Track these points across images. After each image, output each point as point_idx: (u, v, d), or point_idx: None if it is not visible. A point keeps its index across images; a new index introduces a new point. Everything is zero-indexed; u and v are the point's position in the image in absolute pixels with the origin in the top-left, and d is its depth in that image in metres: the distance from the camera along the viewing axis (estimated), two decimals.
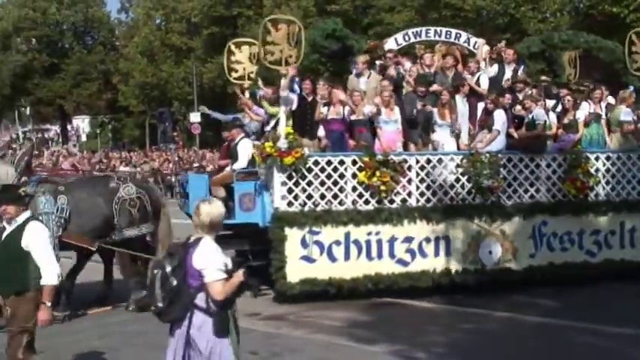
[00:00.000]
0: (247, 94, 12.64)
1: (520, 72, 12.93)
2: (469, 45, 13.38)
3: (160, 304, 5.00)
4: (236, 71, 12.76)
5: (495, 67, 12.81)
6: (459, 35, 13.40)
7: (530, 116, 11.68)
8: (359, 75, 12.16)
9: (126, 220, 10.00)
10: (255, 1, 39.57)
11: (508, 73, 12.81)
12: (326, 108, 11.38)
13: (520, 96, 12.07)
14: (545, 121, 11.67)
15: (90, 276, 10.95)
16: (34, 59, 58.55)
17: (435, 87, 11.95)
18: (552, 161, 11.75)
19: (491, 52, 12.96)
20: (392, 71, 12.15)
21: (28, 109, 63.19)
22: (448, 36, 13.35)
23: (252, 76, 12.71)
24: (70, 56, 60.07)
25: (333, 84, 11.70)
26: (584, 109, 12.15)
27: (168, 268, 5.02)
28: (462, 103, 11.82)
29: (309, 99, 11.46)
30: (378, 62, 12.61)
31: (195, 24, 49.53)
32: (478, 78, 12.51)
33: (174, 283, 4.98)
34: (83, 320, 10.03)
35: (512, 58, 12.88)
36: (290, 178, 10.54)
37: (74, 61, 59.33)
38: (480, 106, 12.06)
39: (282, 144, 10.46)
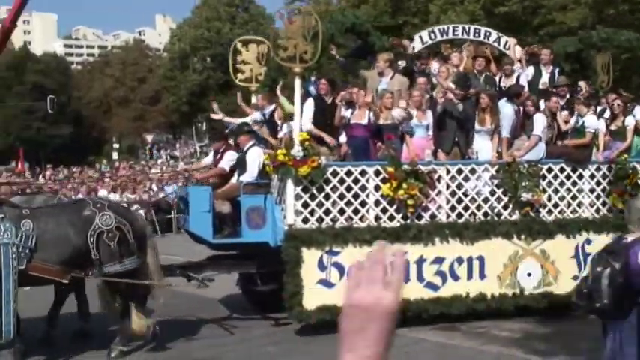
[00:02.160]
0: (254, 98, 12.24)
1: (557, 75, 12.43)
2: (499, 45, 12.89)
3: (605, 301, 5.30)
4: (242, 72, 12.29)
5: (531, 69, 12.39)
6: (488, 34, 12.85)
7: (578, 122, 11.25)
8: (381, 74, 11.65)
9: (106, 254, 8.82)
10: (421, 8, 39.66)
11: (545, 76, 12.40)
12: (349, 111, 10.86)
13: (562, 102, 11.55)
14: (596, 130, 11.22)
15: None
16: (209, 77, 63.77)
17: (473, 90, 11.26)
18: (596, 172, 11.29)
19: (526, 52, 12.60)
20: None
21: (204, 124, 67.38)
22: (477, 34, 12.84)
23: (261, 78, 12.33)
24: None
25: (358, 84, 11.26)
26: (636, 115, 11.57)
27: (617, 266, 5.30)
28: (511, 110, 11.14)
29: (329, 101, 10.82)
30: (400, 62, 12.15)
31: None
32: (517, 80, 12.03)
33: (620, 281, 5.26)
34: None
35: (548, 59, 12.48)
36: (305, 190, 10.07)
37: None
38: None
39: (297, 152, 9.91)
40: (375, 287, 1.44)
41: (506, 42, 12.88)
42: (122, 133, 69.41)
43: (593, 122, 11.21)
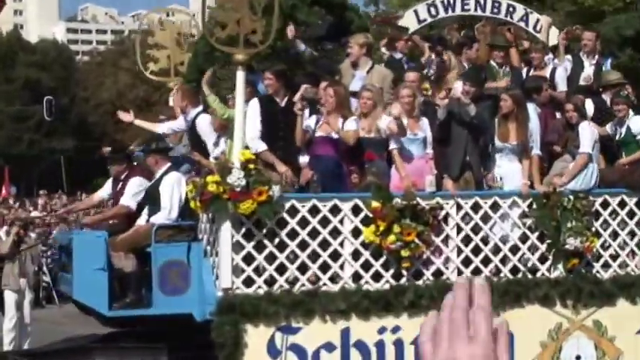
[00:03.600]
0: (172, 99, 12.05)
1: (607, 67, 12.27)
2: (527, 25, 12.60)
3: None
4: (155, 61, 11.98)
5: (568, 60, 12.26)
6: (512, 9, 12.50)
7: (618, 129, 10.95)
8: (355, 65, 11.12)
9: None
10: None
11: (588, 69, 12.07)
12: (312, 119, 10.23)
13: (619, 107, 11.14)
14: None
15: None
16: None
17: (493, 84, 11.02)
18: None
19: (565, 35, 12.31)
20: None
21: None
22: (496, 9, 12.48)
23: (182, 69, 11.92)
24: None
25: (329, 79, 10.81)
26: None
27: None
28: (534, 114, 10.79)
29: (282, 103, 10.13)
30: (383, 49, 11.89)
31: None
32: (552, 74, 11.76)
33: None
34: None
35: (592, 47, 12.17)
36: (249, 236, 9.48)
37: None
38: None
39: (237, 179, 9.10)
40: (459, 343, 1.62)
41: (538, 21, 12.67)
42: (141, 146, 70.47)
43: None
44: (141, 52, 12.10)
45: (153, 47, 12.13)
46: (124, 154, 11.81)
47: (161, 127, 11.69)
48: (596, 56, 12.28)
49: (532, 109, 10.93)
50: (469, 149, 10.53)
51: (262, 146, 9.73)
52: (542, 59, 12.08)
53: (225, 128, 10.74)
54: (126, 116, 12.40)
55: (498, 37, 12.26)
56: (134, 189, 10.68)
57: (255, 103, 10.02)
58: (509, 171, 10.47)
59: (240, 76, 9.49)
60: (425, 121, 10.39)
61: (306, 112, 10.49)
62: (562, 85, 11.82)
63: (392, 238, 9.53)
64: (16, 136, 57.74)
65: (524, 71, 12.11)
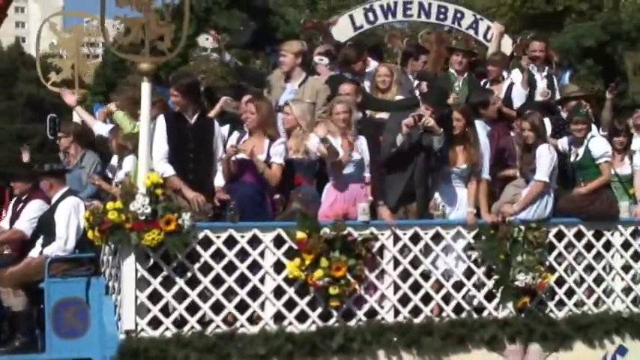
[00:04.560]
0: (77, 114, 11.86)
1: (564, 80, 12.65)
2: (476, 33, 13.07)
3: None
4: (58, 70, 11.81)
5: (517, 73, 12.38)
6: (460, 15, 12.90)
7: (577, 149, 11.05)
8: (287, 77, 11.09)
9: None
10: None
11: (540, 83, 12.28)
12: (233, 136, 10.26)
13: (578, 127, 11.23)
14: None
15: None
16: None
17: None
18: (633, 236, 10.92)
19: (519, 45, 12.84)
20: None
21: None
22: (442, 16, 12.80)
23: (89, 80, 11.99)
24: None
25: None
26: None
27: None
28: (482, 133, 10.80)
29: (191, 120, 9.96)
30: (319, 58, 11.59)
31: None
32: (509, 91, 11.93)
33: None
34: None
35: (541, 57, 12.34)
36: (156, 271, 9.24)
37: None
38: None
39: (142, 206, 9.00)
40: None
41: (488, 29, 12.95)
42: None
43: (602, 146, 10.94)
44: (43, 61, 11.91)
45: (55, 56, 11.98)
46: (30, 171, 11.52)
47: (97, 127, 11.41)
48: (546, 68, 12.36)
49: (480, 126, 10.89)
50: (417, 179, 10.41)
51: (169, 170, 9.56)
52: (500, 72, 12.17)
53: (124, 149, 10.55)
54: (69, 97, 12.04)
55: (459, 41, 12.32)
56: (32, 213, 10.48)
57: (161, 120, 9.85)
58: (454, 197, 10.42)
59: (146, 88, 9.17)
60: (362, 141, 10.27)
61: (225, 128, 10.45)
62: (518, 102, 11.97)
63: (319, 273, 9.43)
64: (16, 158, 58.69)
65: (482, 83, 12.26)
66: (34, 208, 10.52)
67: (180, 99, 9.88)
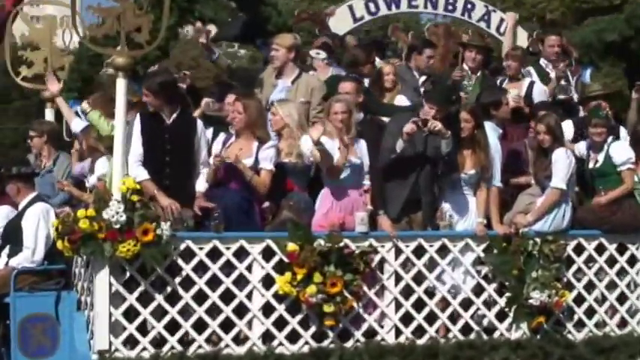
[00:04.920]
0: (50, 112, 11.81)
1: (585, 78, 12.62)
2: (488, 26, 12.76)
3: None
4: (29, 65, 11.60)
5: (530, 72, 12.40)
6: (470, 6, 12.80)
7: (597, 154, 10.91)
8: (279, 73, 11.00)
9: None
10: None
11: (554, 81, 12.24)
12: (219, 139, 10.19)
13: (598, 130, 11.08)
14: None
15: None
16: None
17: None
18: None
19: (536, 39, 12.81)
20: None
21: None
22: (450, 7, 12.68)
23: (63, 75, 11.62)
24: None
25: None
26: None
27: None
28: (493, 135, 10.64)
29: (168, 120, 9.84)
30: (315, 52, 11.57)
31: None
32: (530, 89, 11.75)
33: None
34: None
35: (554, 52, 12.38)
36: (131, 285, 9.19)
37: None
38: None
39: (116, 214, 8.92)
40: None
41: (501, 21, 12.77)
42: None
43: (624, 152, 10.81)
44: (14, 54, 11.82)
45: (25, 48, 11.79)
46: None
47: (75, 123, 11.33)
48: (561, 64, 12.27)
49: (490, 128, 10.75)
50: (423, 186, 10.24)
51: (141, 174, 9.41)
52: (519, 69, 12.00)
53: (96, 151, 10.55)
54: (54, 85, 11.86)
55: (474, 35, 12.19)
56: None
57: (137, 120, 9.71)
58: (461, 206, 10.22)
59: (121, 84, 9.15)
60: (362, 144, 10.14)
61: (209, 131, 10.30)
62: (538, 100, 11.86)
63: (312, 289, 9.25)
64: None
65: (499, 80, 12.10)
66: (0, 215, 10.51)
67: (152, 99, 9.79)
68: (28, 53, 11.83)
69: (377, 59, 12.08)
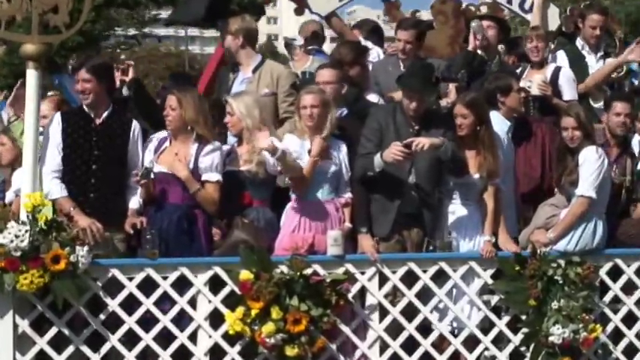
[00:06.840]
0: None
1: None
2: (510, 1, 12.08)
3: None
4: None
5: (563, 55, 11.56)
6: None
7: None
8: (235, 68, 10.31)
9: None
10: None
11: (594, 63, 11.51)
12: (151, 144, 9.16)
13: None
14: None
15: None
16: None
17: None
18: None
19: (571, 15, 11.84)
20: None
21: None
22: None
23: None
24: None
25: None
26: None
27: None
28: (501, 130, 9.73)
29: (98, 120, 8.79)
30: (290, 38, 11.44)
31: None
32: (556, 74, 10.98)
33: None
34: None
35: (595, 35, 11.53)
36: (44, 325, 8.35)
37: None
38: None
39: (14, 237, 7.88)
40: None
41: None
42: None
43: None
44: None
45: None
46: None
47: None
48: (603, 45, 11.47)
49: (498, 120, 9.72)
50: (421, 195, 9.07)
51: (55, 190, 8.39)
52: (543, 53, 11.00)
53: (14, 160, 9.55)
54: None
55: (490, 7, 11.36)
56: None
57: (56, 121, 8.62)
58: (465, 221, 9.04)
59: (32, 76, 8.05)
60: (341, 148, 9.00)
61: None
62: (569, 91, 10.75)
63: (269, 327, 8.09)
64: None
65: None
66: None
67: (96, 84, 8.61)
68: None
69: (376, 48, 11.31)
